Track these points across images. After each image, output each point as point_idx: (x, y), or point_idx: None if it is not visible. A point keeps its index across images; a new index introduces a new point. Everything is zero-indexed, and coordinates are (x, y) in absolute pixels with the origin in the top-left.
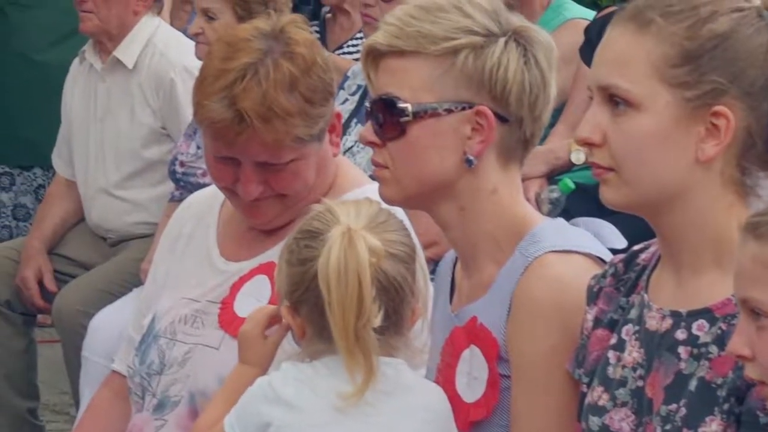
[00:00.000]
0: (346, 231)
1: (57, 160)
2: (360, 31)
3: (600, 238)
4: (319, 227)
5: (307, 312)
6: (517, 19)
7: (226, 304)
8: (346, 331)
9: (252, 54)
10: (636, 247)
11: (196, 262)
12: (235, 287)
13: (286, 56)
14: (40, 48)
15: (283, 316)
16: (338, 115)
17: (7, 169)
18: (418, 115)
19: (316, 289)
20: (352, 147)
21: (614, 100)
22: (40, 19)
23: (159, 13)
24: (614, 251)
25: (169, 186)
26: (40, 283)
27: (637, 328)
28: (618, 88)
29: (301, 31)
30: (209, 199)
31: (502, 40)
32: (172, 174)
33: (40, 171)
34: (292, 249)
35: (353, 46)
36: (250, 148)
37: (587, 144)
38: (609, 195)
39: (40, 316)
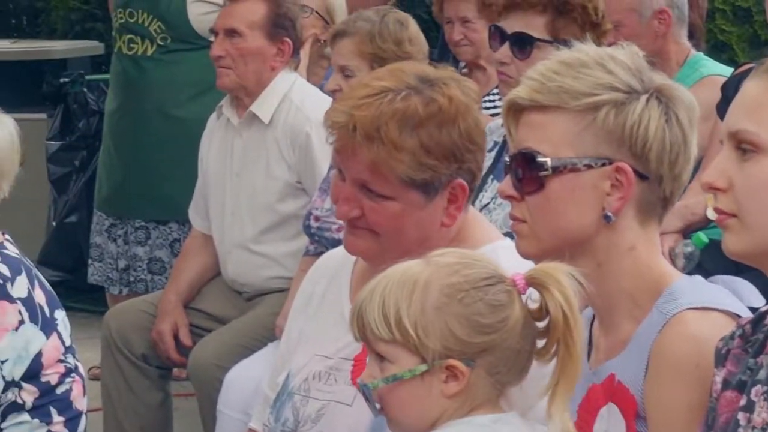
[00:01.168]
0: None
1: (194, 214)
2: (496, 87)
3: (738, 296)
4: (494, 272)
5: (492, 361)
6: (659, 77)
7: (359, 361)
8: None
9: (398, 83)
10: (764, 308)
11: (329, 319)
12: (363, 355)
13: (423, 98)
14: (177, 103)
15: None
16: (463, 189)
17: (143, 223)
18: (558, 170)
19: (512, 334)
20: (488, 204)
21: (742, 146)
22: (178, 74)
23: (296, 69)
24: (753, 309)
25: (304, 240)
26: (176, 337)
27: (765, 388)
28: (746, 132)
29: (458, 91)
30: (342, 257)
31: (643, 98)
32: (307, 229)
33: (176, 225)
34: (467, 300)
35: (489, 101)
36: (353, 161)
37: (712, 189)
38: (729, 242)
39: (175, 370)
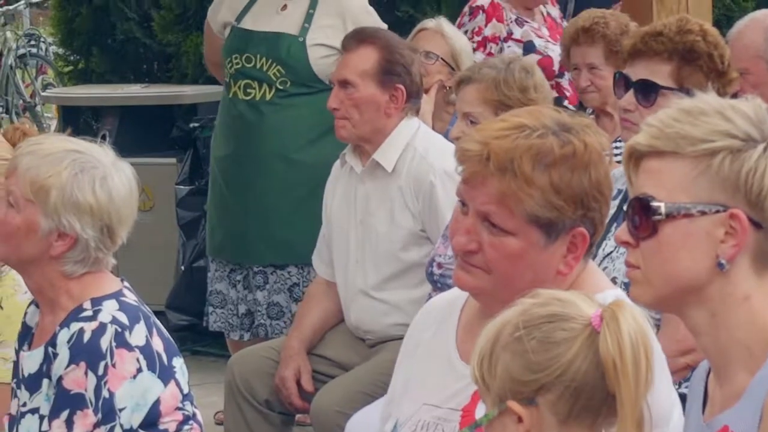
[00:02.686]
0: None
1: (317, 261)
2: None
3: None
4: (560, 311)
5: (552, 400)
6: None
7: (468, 412)
8: (635, 405)
9: (535, 122)
10: None
11: (436, 366)
12: (477, 395)
13: (560, 140)
14: (297, 147)
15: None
16: (584, 239)
17: (261, 268)
18: (672, 215)
19: (569, 372)
20: (611, 252)
21: None
22: (297, 118)
23: (417, 114)
24: None
25: (427, 288)
26: (299, 383)
27: None
28: None
29: (593, 139)
30: (449, 303)
31: (761, 146)
32: (430, 276)
33: (295, 269)
34: (524, 339)
35: (616, 148)
36: (480, 191)
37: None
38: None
39: (298, 416)
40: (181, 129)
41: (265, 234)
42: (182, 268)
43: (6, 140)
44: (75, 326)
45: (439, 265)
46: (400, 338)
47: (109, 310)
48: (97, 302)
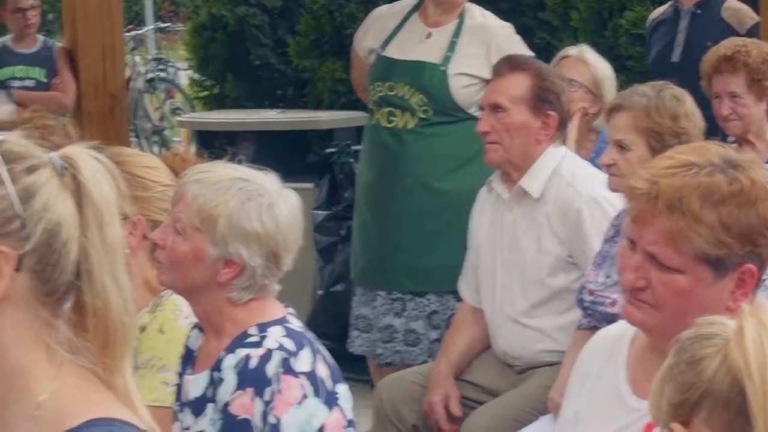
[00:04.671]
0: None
1: (464, 287)
2: (766, 162)
3: None
4: (706, 331)
5: (706, 416)
6: None
7: None
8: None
9: (702, 159)
10: None
11: (605, 400)
12: (649, 428)
13: (727, 177)
14: (438, 176)
15: None
16: (752, 275)
17: (399, 295)
18: None
19: (714, 386)
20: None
21: None
22: (439, 147)
23: (564, 142)
24: None
25: (576, 314)
26: (447, 408)
27: None
28: None
29: (759, 175)
30: (617, 338)
31: None
32: (580, 302)
33: (434, 297)
34: (675, 363)
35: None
36: (648, 229)
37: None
38: None
39: None
40: (317, 154)
41: (405, 261)
42: (320, 292)
43: (167, 166)
44: (241, 352)
45: (590, 292)
46: (549, 364)
47: (275, 336)
48: (263, 328)
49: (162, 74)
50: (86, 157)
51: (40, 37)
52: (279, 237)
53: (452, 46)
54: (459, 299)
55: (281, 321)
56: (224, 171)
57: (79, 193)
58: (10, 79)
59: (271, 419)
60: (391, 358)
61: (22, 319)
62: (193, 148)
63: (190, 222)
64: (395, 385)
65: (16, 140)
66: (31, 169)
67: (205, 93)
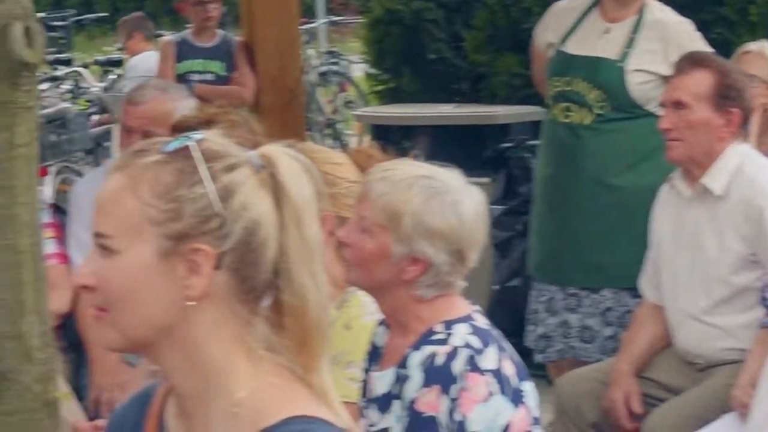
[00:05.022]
0: None
1: (645, 284)
2: None
3: None
4: None
5: None
6: None
7: None
8: None
9: None
10: None
11: None
12: None
13: None
14: (613, 172)
15: None
16: None
17: (575, 291)
18: None
19: None
20: None
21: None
22: (614, 143)
23: (746, 139)
24: None
25: (759, 312)
26: (628, 406)
27: None
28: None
29: None
30: None
31: None
32: (763, 301)
33: (609, 293)
34: None
35: None
36: None
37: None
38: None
39: None
40: (493, 149)
41: (580, 256)
42: (495, 287)
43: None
44: (427, 349)
45: None
46: (732, 362)
47: (461, 333)
48: (449, 326)
49: (335, 67)
50: (285, 156)
51: (220, 32)
52: (464, 234)
53: (631, 42)
54: (634, 296)
55: (467, 318)
56: (409, 168)
57: (277, 191)
58: (189, 72)
59: (458, 416)
60: (565, 354)
61: (222, 317)
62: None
63: (375, 220)
64: (576, 381)
65: (215, 138)
66: (231, 168)
67: (381, 87)
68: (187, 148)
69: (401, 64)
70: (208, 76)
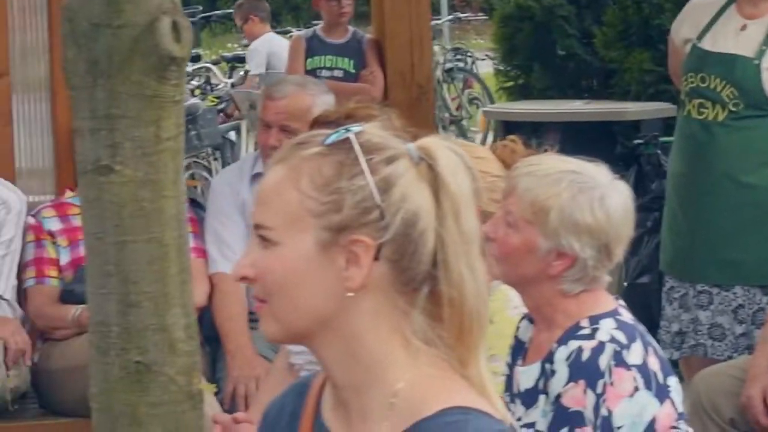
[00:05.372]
0: None
1: None
2: None
3: None
4: None
5: None
6: None
7: None
8: None
9: None
10: None
11: None
12: None
13: None
14: (747, 169)
15: None
16: None
17: (706, 288)
18: None
19: None
20: None
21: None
22: (748, 141)
23: None
24: None
25: None
26: (766, 402)
27: None
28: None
29: None
30: None
31: None
32: None
33: (741, 291)
34: None
35: None
36: None
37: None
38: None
39: None
40: (624, 146)
41: (712, 253)
42: (626, 284)
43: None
44: (573, 344)
45: None
46: None
47: (607, 328)
48: (594, 320)
49: (460, 64)
50: (443, 148)
51: (351, 28)
52: (611, 229)
53: (767, 39)
54: (766, 293)
55: (612, 313)
56: (555, 163)
57: (435, 183)
58: (318, 68)
59: (603, 412)
60: (696, 351)
61: (380, 308)
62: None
63: (521, 215)
64: (712, 378)
65: (374, 131)
66: (390, 160)
67: (510, 83)
68: (347, 140)
69: (531, 61)
70: (337, 73)
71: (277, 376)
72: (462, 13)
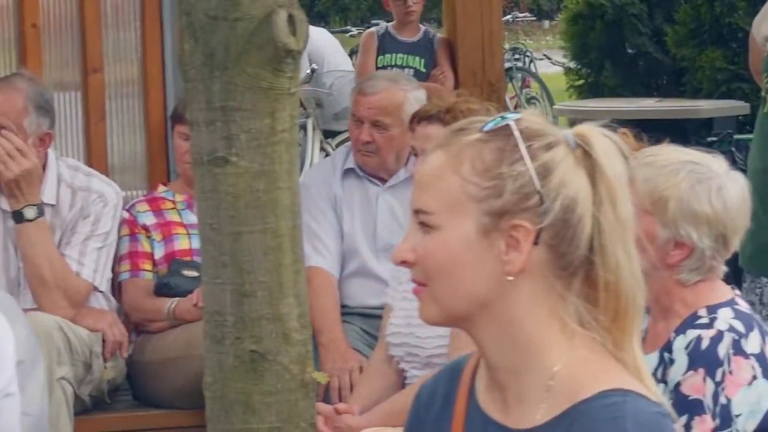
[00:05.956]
0: None
1: None
2: None
3: None
4: None
5: None
6: None
7: None
8: None
9: None
10: None
11: None
12: None
13: None
14: None
15: None
16: None
17: None
18: None
19: None
20: None
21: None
22: None
23: None
24: None
25: None
26: None
27: None
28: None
29: None
30: None
31: None
32: None
33: None
34: None
35: None
36: None
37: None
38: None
39: None
40: (697, 143)
41: None
42: None
43: None
44: (692, 333)
45: None
46: None
47: (725, 318)
48: (712, 310)
49: (519, 63)
50: (598, 135)
51: (422, 27)
52: (728, 219)
53: None
54: None
55: (730, 302)
56: (673, 154)
57: (592, 169)
58: (389, 66)
59: (722, 400)
60: None
61: (538, 292)
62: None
63: (640, 205)
64: None
65: (532, 118)
66: (549, 146)
67: (581, 81)
68: (506, 127)
69: (603, 59)
70: (407, 71)
71: (376, 368)
72: (509, 12)
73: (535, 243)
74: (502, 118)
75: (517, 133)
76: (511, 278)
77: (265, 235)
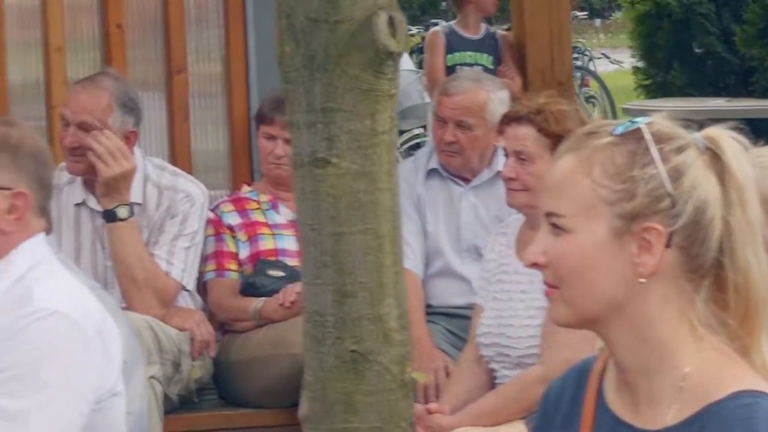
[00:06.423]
0: None
1: None
2: None
3: None
4: None
5: None
6: None
7: None
8: None
9: None
10: None
11: None
12: None
13: None
14: None
15: None
16: None
17: None
18: None
19: None
20: None
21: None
22: None
23: None
24: None
25: None
26: None
27: None
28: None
29: None
30: None
31: None
32: None
33: None
34: None
35: None
36: None
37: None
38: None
39: None
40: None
41: None
42: None
43: None
44: None
45: None
46: None
47: None
48: None
49: (577, 63)
50: (727, 138)
51: (483, 24)
52: None
53: None
54: None
55: None
56: None
57: (722, 172)
58: (459, 64)
59: None
60: None
61: (669, 294)
62: None
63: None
64: None
65: (662, 121)
66: (680, 149)
67: (649, 81)
68: (637, 130)
69: (671, 58)
70: (477, 69)
71: (466, 368)
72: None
73: (667, 245)
74: (632, 122)
75: (648, 137)
76: (643, 280)
77: (365, 235)
